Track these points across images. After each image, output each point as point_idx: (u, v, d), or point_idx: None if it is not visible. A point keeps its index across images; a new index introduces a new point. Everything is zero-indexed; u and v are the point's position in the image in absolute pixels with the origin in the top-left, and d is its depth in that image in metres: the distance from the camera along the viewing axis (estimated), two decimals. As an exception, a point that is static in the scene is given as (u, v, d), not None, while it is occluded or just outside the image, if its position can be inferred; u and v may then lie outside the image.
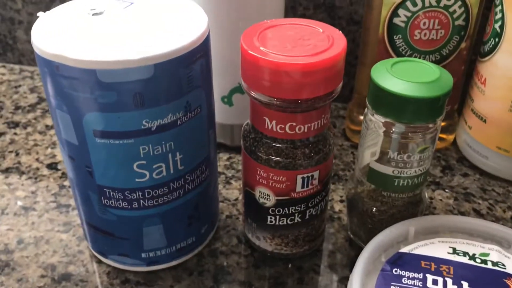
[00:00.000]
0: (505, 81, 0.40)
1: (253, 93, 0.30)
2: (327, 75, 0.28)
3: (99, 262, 0.36)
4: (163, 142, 0.29)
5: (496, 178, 0.44)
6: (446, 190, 0.43)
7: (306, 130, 0.31)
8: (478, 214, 0.41)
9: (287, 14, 0.51)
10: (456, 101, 0.46)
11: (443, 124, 0.47)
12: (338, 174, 0.45)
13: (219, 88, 0.43)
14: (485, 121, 0.43)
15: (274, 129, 0.31)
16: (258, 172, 0.33)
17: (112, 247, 0.34)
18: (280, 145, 0.31)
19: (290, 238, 0.35)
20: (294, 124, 0.30)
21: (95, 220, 0.33)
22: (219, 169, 0.45)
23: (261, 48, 0.28)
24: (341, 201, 0.42)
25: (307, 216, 0.34)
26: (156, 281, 0.35)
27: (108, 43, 0.27)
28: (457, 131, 0.48)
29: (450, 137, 0.48)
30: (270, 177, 0.32)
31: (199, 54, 0.29)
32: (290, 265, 0.36)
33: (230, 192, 0.43)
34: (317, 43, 0.29)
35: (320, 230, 0.36)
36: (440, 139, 0.48)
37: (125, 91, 0.27)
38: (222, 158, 0.46)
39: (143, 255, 0.34)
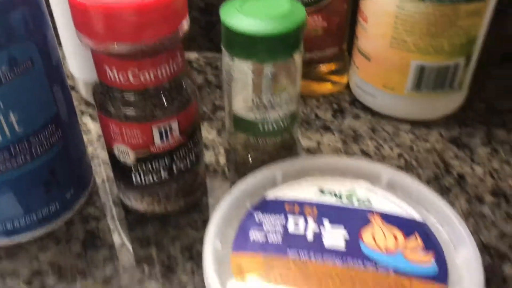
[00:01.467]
0: (384, 18, 0.39)
1: (85, 41, 0.27)
2: (156, 16, 0.26)
3: (-42, 240, 0.33)
4: (-12, 102, 0.27)
5: (387, 117, 0.43)
6: (335, 134, 0.42)
7: (152, 78, 0.28)
8: (366, 155, 0.40)
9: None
10: (341, 42, 0.45)
11: (333, 67, 0.45)
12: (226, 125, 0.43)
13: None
14: (369, 59, 0.42)
15: (117, 79, 0.28)
16: (112, 128, 0.30)
17: (-36, 222, 0.31)
18: (128, 96, 0.29)
19: (161, 196, 0.33)
20: (137, 71, 0.28)
21: None
22: (99, 132, 0.42)
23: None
24: (228, 153, 0.40)
25: (175, 171, 0.32)
26: (18, 253, 0.32)
27: None
28: (349, 73, 0.46)
29: (343, 80, 0.47)
30: (124, 132, 0.30)
31: (18, 1, 0.26)
32: (165, 223, 0.34)
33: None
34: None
35: (196, 185, 0.35)
36: (333, 82, 0.46)
37: None
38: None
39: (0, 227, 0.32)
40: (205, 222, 0.34)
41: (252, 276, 0.25)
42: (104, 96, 0.30)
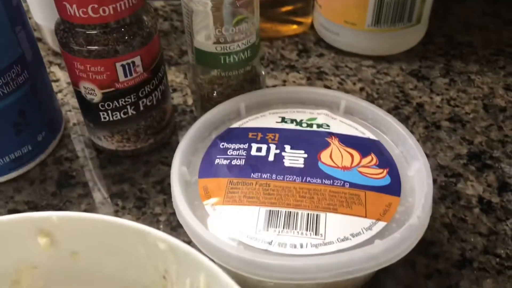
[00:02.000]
0: (343, -48, 0.39)
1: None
2: None
3: None
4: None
5: (350, 54, 0.45)
6: (300, 72, 0.43)
7: (112, 12, 0.29)
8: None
9: None
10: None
11: (298, 7, 0.46)
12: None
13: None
14: (331, -4, 0.42)
15: (77, 14, 0.29)
16: (76, 66, 0.31)
17: None
18: (90, 32, 0.30)
19: (130, 133, 0.34)
20: (96, 6, 0.28)
21: None
22: (68, 80, 0.43)
23: None
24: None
25: (141, 108, 0.33)
26: (-4, 195, 0.34)
27: None
28: (313, 14, 0.47)
29: (307, 21, 0.47)
30: (88, 69, 0.31)
31: None
32: (136, 161, 0.35)
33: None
34: None
35: (164, 122, 0.36)
36: (298, 23, 0.47)
37: None
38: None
39: (-27, 170, 0.33)
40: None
41: (218, 198, 0.27)
42: (67, 33, 0.30)
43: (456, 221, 0.31)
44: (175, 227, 0.31)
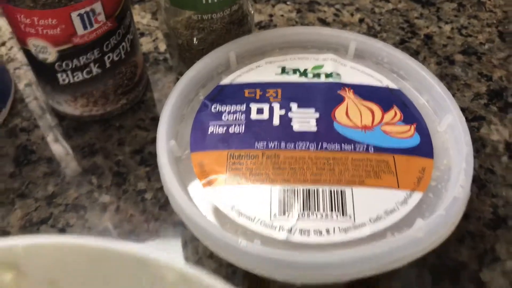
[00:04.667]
0: None
1: None
2: None
3: None
4: None
5: (342, -21, 0.39)
6: (288, 3, 0.37)
7: None
8: (324, 23, 0.36)
9: None
10: None
11: None
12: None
13: None
14: None
15: (12, -48, 0.22)
16: (21, 19, 0.24)
17: None
18: (32, -25, 0.23)
19: (97, 95, 0.28)
20: None
21: None
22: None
23: None
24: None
25: (107, 64, 0.27)
26: None
27: None
28: None
29: None
30: (37, 22, 0.24)
31: None
32: (107, 127, 0.30)
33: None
34: None
35: (136, 78, 0.30)
36: None
37: None
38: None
39: None
40: (154, 119, 0.30)
41: (217, 176, 0.22)
42: (1, -22, 0.23)
43: (484, 173, 0.28)
44: (164, 205, 0.26)
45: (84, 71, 0.27)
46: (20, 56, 0.34)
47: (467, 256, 0.25)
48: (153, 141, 0.29)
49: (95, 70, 0.27)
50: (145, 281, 0.14)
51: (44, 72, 0.27)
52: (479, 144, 0.29)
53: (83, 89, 0.28)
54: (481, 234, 0.25)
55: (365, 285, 0.23)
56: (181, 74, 0.31)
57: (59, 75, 0.27)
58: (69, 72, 0.26)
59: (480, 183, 0.27)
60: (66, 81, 0.27)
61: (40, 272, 0.15)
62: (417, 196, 0.21)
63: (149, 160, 0.28)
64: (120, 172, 0.28)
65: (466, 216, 0.26)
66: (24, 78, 0.32)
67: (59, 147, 0.29)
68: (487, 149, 0.29)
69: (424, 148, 0.23)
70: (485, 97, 0.31)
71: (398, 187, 0.22)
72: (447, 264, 0.24)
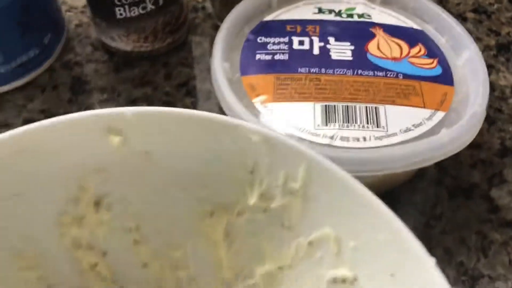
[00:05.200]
0: None
1: None
2: None
3: None
4: None
5: None
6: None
7: None
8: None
9: None
10: None
11: None
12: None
13: None
14: None
15: None
16: (90, -47, 0.27)
17: None
18: None
19: (148, 31, 0.31)
20: None
21: None
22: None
23: None
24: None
25: (160, 2, 0.30)
26: (5, 106, 0.30)
27: None
28: None
29: None
30: (105, -44, 0.27)
31: None
32: (155, 63, 0.33)
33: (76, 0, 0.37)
34: None
35: (181, 19, 0.33)
36: None
37: None
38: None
39: (-22, 77, 0.29)
40: (195, 59, 0.33)
41: (266, 95, 0.25)
42: None
43: (493, 112, 0.31)
44: (208, 130, 0.30)
45: (140, 6, 0.30)
46: (68, 2, 0.36)
47: (479, 178, 0.28)
48: (196, 77, 0.32)
49: (149, 6, 0.30)
50: (231, 142, 0.17)
51: (103, 7, 0.30)
52: (489, 88, 0.32)
53: (137, 24, 0.31)
54: (490, 161, 0.29)
55: (390, 198, 0.26)
56: (220, 19, 0.34)
57: (117, 9, 0.29)
58: (126, 7, 0.29)
59: (490, 120, 0.31)
60: (123, 15, 0.30)
61: (140, 141, 0.18)
62: (440, 114, 0.25)
63: (193, 92, 0.31)
64: (169, 102, 0.31)
65: (478, 146, 0.29)
66: (73, 20, 0.35)
67: (112, 79, 0.32)
68: (496, 93, 0.32)
69: (446, 77, 0.26)
70: (494, 49, 0.34)
71: (424, 106, 0.25)
72: (462, 185, 0.28)
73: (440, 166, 0.28)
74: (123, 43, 0.32)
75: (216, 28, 0.35)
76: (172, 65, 0.33)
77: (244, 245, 0.19)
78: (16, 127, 0.29)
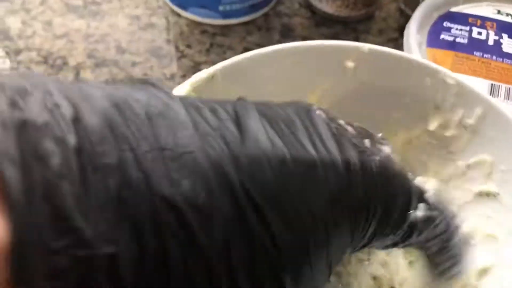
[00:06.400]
0: None
1: None
2: None
3: (178, 15, 0.41)
4: None
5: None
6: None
7: None
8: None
9: None
10: None
11: None
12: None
13: None
14: None
15: None
16: None
17: (194, -1, 0.39)
18: None
19: (352, 0, 0.39)
20: None
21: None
22: None
23: None
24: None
25: (368, -21, 0.38)
26: (229, 33, 0.40)
27: None
28: None
29: None
30: None
31: None
32: (346, 27, 0.41)
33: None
34: None
35: (376, -3, 0.40)
36: None
37: None
38: None
39: (220, 7, 0.39)
40: (380, 31, 0.41)
41: (446, 67, 0.32)
42: None
43: None
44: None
45: (353, -20, 0.37)
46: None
47: None
48: (377, 43, 0.40)
49: (360, -19, 0.38)
50: (430, 81, 0.24)
51: (324, -26, 0.38)
52: None
53: (345, -7, 0.39)
54: None
55: None
56: (405, 3, 0.41)
57: (335, -22, 0.38)
58: (343, -22, 0.37)
59: None
60: (337, -17, 0.38)
61: (364, 72, 0.26)
62: None
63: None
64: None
65: None
66: (287, -19, 0.44)
67: (311, 32, 0.40)
68: None
69: None
70: None
71: None
72: None
73: None
74: (328, 6, 0.40)
75: (399, 10, 0.42)
76: (359, 31, 0.40)
77: (414, 161, 0.26)
78: (238, 51, 0.39)
